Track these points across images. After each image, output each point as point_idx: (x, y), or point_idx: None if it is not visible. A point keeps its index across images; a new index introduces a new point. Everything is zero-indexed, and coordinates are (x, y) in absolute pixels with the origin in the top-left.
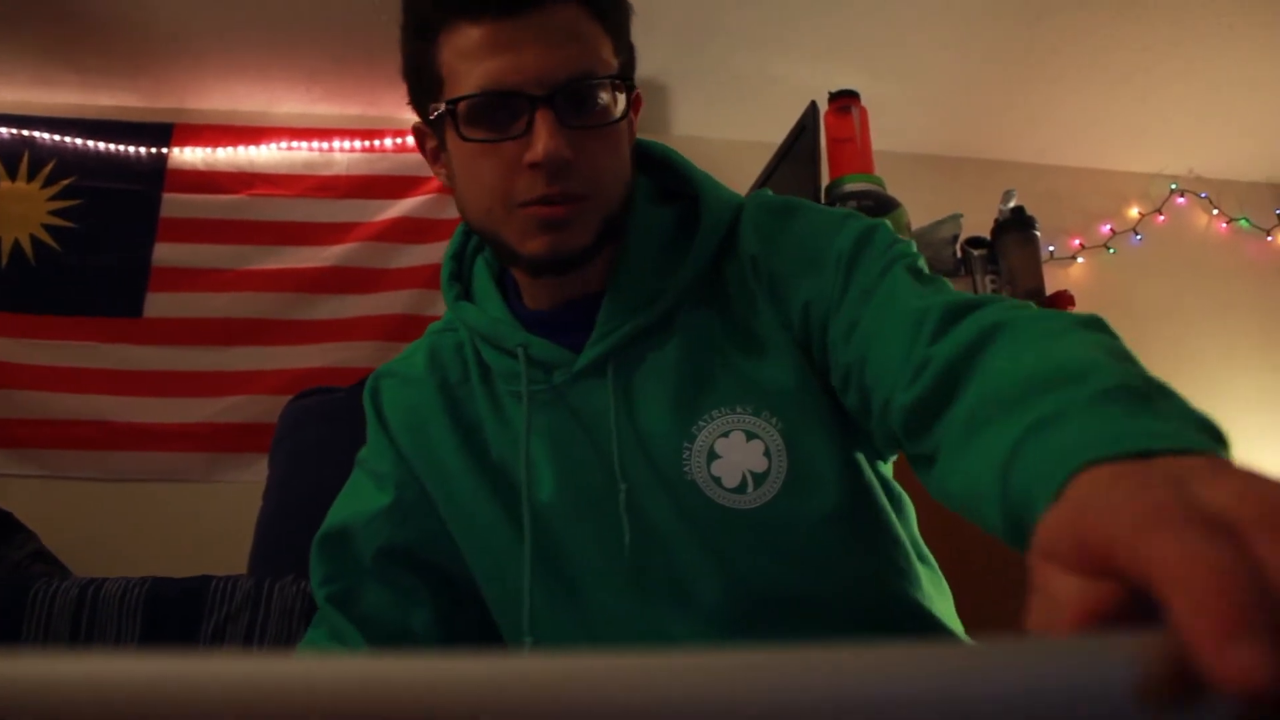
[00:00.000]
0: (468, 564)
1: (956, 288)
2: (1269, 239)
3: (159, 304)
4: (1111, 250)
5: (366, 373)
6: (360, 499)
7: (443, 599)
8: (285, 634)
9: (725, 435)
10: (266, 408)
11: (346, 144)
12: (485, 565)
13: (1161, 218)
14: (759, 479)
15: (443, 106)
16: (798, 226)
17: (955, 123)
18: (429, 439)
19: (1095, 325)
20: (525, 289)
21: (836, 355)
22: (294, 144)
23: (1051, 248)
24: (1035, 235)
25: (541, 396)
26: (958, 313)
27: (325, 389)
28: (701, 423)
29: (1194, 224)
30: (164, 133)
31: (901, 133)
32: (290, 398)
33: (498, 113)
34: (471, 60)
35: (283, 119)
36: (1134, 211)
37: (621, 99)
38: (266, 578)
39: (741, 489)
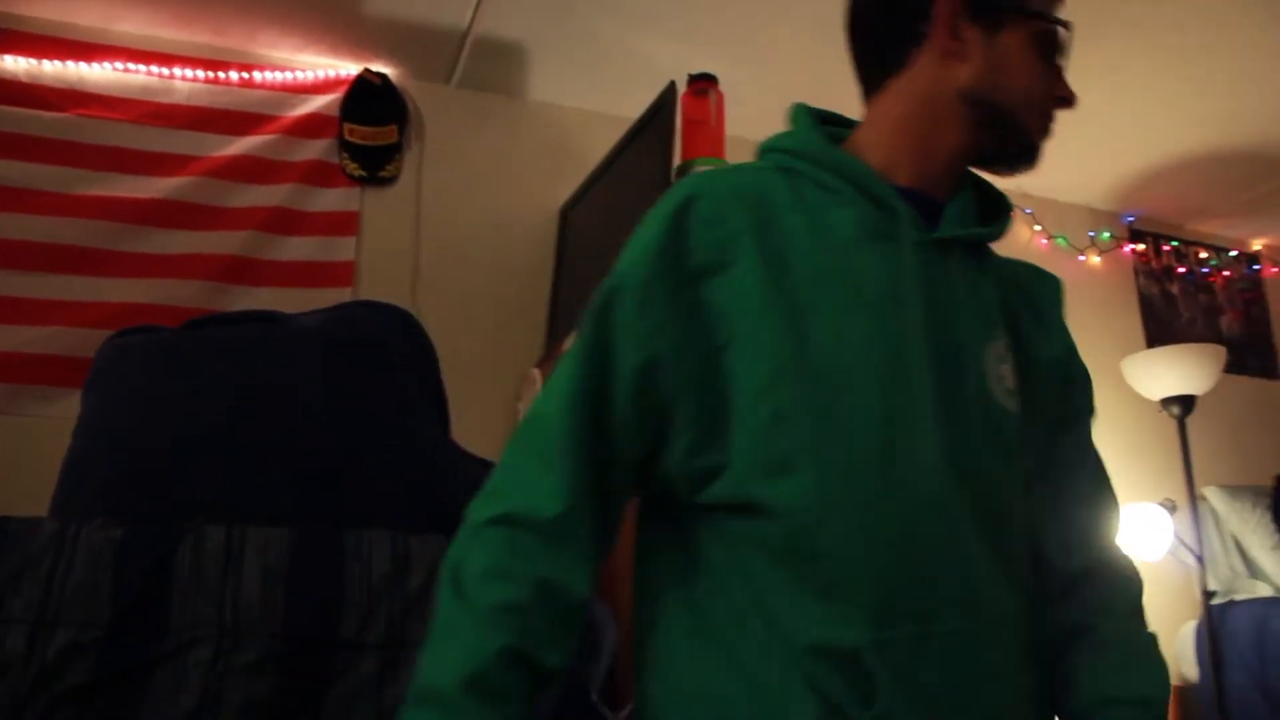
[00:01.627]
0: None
1: None
2: (1080, 258)
3: None
4: None
5: (192, 313)
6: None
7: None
8: (90, 583)
9: (1000, 350)
10: (82, 341)
11: (189, 72)
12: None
13: None
14: (1011, 394)
15: (1046, 16)
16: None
17: None
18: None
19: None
20: (892, 165)
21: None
22: (131, 66)
23: None
24: None
25: (909, 249)
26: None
27: (149, 327)
28: (997, 333)
29: (1018, 237)
30: None
31: (755, 120)
32: (110, 334)
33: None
34: None
35: (120, 38)
36: None
37: None
38: (73, 521)
39: (1011, 395)
